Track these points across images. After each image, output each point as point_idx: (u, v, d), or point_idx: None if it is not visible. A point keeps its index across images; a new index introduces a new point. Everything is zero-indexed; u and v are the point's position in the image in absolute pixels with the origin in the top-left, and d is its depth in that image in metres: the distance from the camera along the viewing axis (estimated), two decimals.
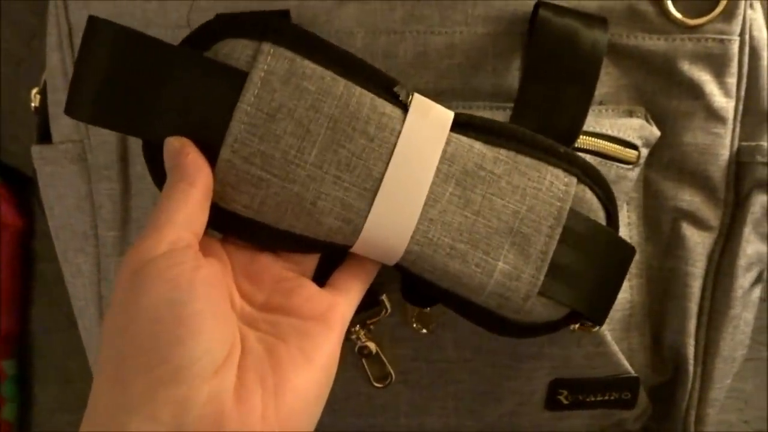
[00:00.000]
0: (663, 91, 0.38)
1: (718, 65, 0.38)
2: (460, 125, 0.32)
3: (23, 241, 0.56)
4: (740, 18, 0.38)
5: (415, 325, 0.38)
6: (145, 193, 0.40)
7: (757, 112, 0.40)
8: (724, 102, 0.39)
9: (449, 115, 0.32)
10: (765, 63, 0.39)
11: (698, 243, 0.40)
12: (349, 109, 0.31)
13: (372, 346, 0.39)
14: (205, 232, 0.30)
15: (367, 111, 0.31)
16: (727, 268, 0.40)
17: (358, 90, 0.31)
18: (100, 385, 0.28)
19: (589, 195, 0.33)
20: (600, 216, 0.34)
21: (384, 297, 0.38)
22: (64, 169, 0.41)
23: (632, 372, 0.40)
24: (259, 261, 0.32)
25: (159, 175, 0.31)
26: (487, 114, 0.36)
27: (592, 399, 0.41)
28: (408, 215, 0.32)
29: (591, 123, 0.36)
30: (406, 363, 0.40)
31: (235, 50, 0.31)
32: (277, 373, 0.29)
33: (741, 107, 0.39)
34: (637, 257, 0.37)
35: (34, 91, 0.43)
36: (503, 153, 0.33)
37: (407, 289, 0.36)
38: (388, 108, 0.32)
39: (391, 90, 0.32)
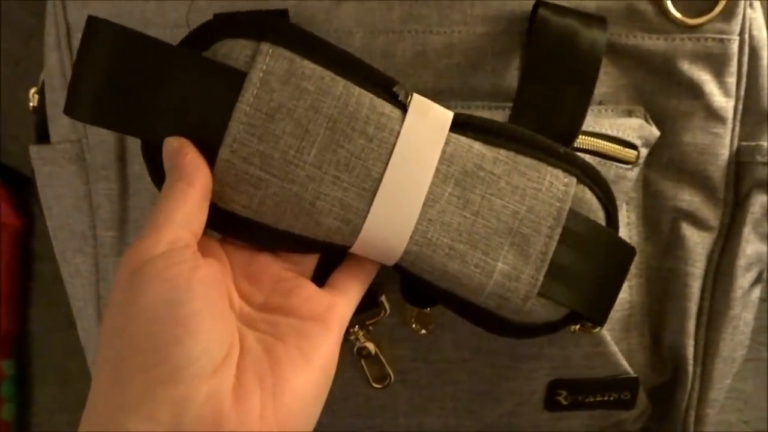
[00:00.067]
0: (662, 91, 0.38)
1: (717, 65, 0.38)
2: (459, 125, 0.32)
3: (22, 241, 0.56)
4: (740, 17, 0.38)
5: (414, 326, 0.38)
6: (143, 193, 0.39)
7: (757, 111, 0.40)
8: (723, 102, 0.39)
9: (448, 115, 0.32)
10: (765, 62, 0.39)
11: (698, 243, 0.40)
12: (348, 109, 0.31)
13: (371, 346, 0.39)
14: (204, 233, 0.30)
15: (366, 111, 0.31)
16: (727, 269, 0.40)
17: (357, 90, 0.31)
18: (98, 386, 0.28)
19: (588, 195, 0.33)
20: (600, 216, 0.34)
21: (383, 298, 0.38)
22: (63, 169, 0.41)
23: (631, 372, 0.40)
24: (258, 261, 0.32)
25: (158, 175, 0.31)
26: (486, 114, 0.36)
27: (592, 399, 0.41)
28: (407, 215, 0.31)
29: (590, 123, 0.36)
30: (405, 363, 0.40)
31: (233, 50, 0.31)
32: (276, 373, 0.29)
33: (741, 107, 0.39)
34: (636, 257, 0.37)
35: (32, 90, 0.43)
36: (503, 153, 0.33)
37: (407, 289, 0.36)
38: (387, 108, 0.32)
39: (390, 90, 0.32)
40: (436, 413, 0.41)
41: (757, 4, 0.39)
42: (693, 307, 0.40)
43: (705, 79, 0.38)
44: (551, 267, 0.33)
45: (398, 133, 0.31)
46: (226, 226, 0.32)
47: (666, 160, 0.39)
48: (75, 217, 0.41)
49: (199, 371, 0.26)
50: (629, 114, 0.38)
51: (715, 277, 0.41)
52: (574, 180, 0.33)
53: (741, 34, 0.38)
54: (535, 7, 0.35)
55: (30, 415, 0.57)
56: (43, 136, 0.42)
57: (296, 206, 0.31)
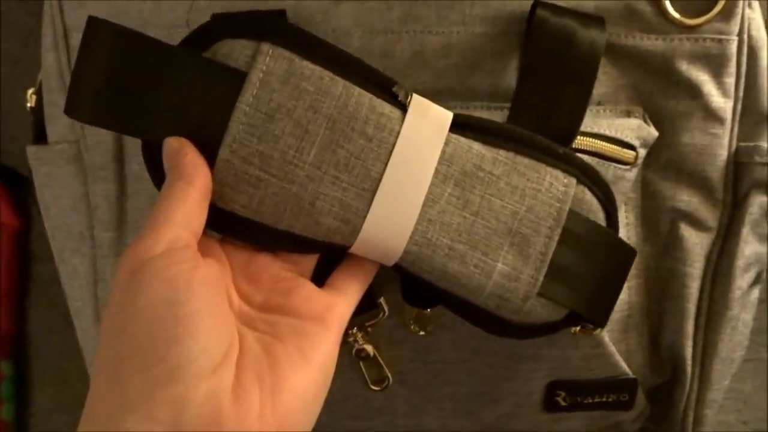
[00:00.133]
0: (661, 91, 0.38)
1: (716, 65, 0.38)
2: (458, 125, 0.32)
3: (20, 241, 0.56)
4: (738, 18, 0.38)
5: (412, 327, 0.38)
6: (141, 194, 0.39)
7: (756, 112, 0.40)
8: (722, 102, 0.39)
9: (448, 116, 0.32)
10: (763, 63, 0.39)
11: (696, 244, 0.40)
12: (347, 109, 0.31)
13: (369, 348, 0.38)
14: (204, 232, 0.30)
15: (366, 111, 0.31)
16: (726, 269, 0.40)
17: (356, 90, 0.31)
18: (97, 386, 0.27)
19: (588, 196, 0.33)
20: (600, 217, 0.34)
21: (382, 299, 0.38)
22: (60, 170, 0.41)
23: (630, 373, 0.40)
24: (258, 261, 0.32)
25: (158, 176, 0.31)
26: (484, 114, 0.36)
27: (590, 400, 0.41)
28: (406, 215, 0.31)
29: (588, 123, 0.36)
30: (404, 364, 0.39)
31: (233, 50, 0.31)
32: (275, 373, 0.29)
33: (739, 107, 0.39)
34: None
35: (30, 91, 0.43)
36: (502, 154, 0.32)
37: (407, 290, 0.36)
38: (387, 108, 0.31)
39: (389, 90, 0.32)
40: (434, 414, 0.41)
41: (756, 5, 0.39)
42: (691, 307, 0.40)
43: (703, 79, 0.38)
44: (551, 267, 0.33)
45: (398, 133, 0.31)
46: (226, 225, 0.32)
47: (664, 160, 0.39)
48: (73, 217, 0.41)
49: (198, 370, 0.26)
50: (628, 114, 0.38)
51: (714, 278, 0.41)
52: (573, 180, 0.33)
53: (740, 34, 0.38)
54: (534, 7, 0.35)
55: (28, 415, 0.57)
56: (40, 137, 0.42)
57: (296, 206, 0.31)
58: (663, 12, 0.37)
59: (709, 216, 0.40)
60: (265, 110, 0.30)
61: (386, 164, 0.31)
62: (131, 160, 0.39)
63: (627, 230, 0.39)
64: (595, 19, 0.35)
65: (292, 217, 0.31)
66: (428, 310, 0.37)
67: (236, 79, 0.30)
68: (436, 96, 0.35)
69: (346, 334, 0.36)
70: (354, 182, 0.31)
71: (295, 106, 0.30)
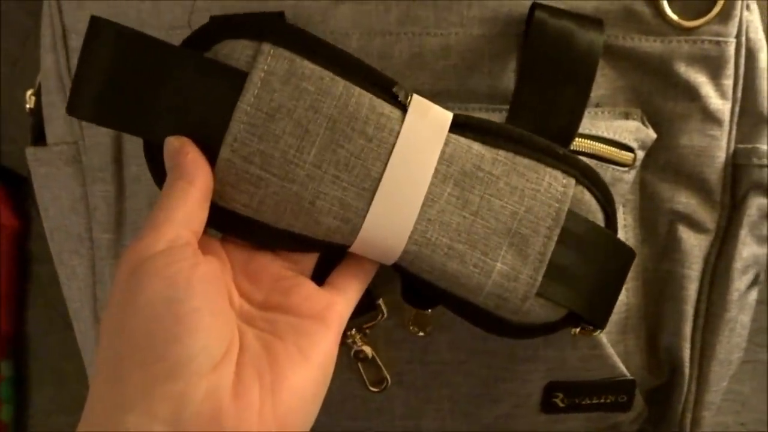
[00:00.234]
0: (659, 93, 0.38)
1: (714, 67, 0.38)
2: (458, 126, 0.32)
3: (20, 242, 0.56)
4: (737, 20, 0.38)
5: (412, 328, 0.38)
6: (139, 195, 0.39)
7: (754, 114, 0.40)
8: (720, 104, 0.39)
9: (448, 116, 0.32)
10: (761, 65, 0.39)
11: (694, 246, 0.40)
12: (348, 109, 0.31)
13: (368, 350, 0.39)
14: (205, 231, 0.31)
15: (366, 111, 0.31)
16: (724, 271, 0.40)
17: (357, 90, 0.31)
18: (97, 386, 0.28)
19: (587, 196, 0.33)
20: (599, 218, 0.34)
21: (380, 301, 0.38)
22: (59, 171, 0.41)
23: (628, 375, 0.40)
24: (258, 260, 0.32)
25: (159, 175, 0.31)
26: (482, 116, 0.36)
27: (588, 402, 0.41)
28: (406, 215, 0.32)
29: (587, 125, 0.36)
30: (402, 365, 0.40)
31: (235, 51, 0.31)
32: (275, 371, 0.29)
33: (737, 109, 0.39)
34: None
35: (29, 92, 0.43)
36: (502, 154, 0.33)
37: (407, 290, 0.36)
38: (387, 108, 0.32)
39: (389, 90, 0.32)
40: (432, 415, 0.41)
41: (754, 7, 0.39)
42: (689, 309, 0.40)
43: (702, 81, 0.38)
44: (550, 267, 0.33)
45: (398, 133, 0.31)
46: (227, 224, 0.32)
47: (663, 162, 0.39)
48: (71, 219, 0.41)
49: (198, 368, 0.26)
50: (626, 116, 0.38)
51: (712, 280, 0.41)
52: (572, 181, 0.33)
53: (738, 36, 0.38)
54: (532, 9, 0.35)
55: (27, 416, 0.57)
56: (39, 138, 0.42)
57: (296, 205, 0.31)
58: (661, 14, 0.37)
59: (708, 218, 0.40)
60: (266, 110, 0.30)
61: (386, 164, 0.31)
62: (130, 162, 0.39)
63: (625, 232, 0.39)
64: (594, 21, 0.35)
65: (292, 216, 0.31)
66: (429, 311, 0.37)
67: (237, 79, 0.31)
68: (434, 98, 0.35)
69: (344, 336, 0.36)
70: (354, 182, 0.31)
71: (295, 105, 0.31)
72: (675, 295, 0.40)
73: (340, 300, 0.32)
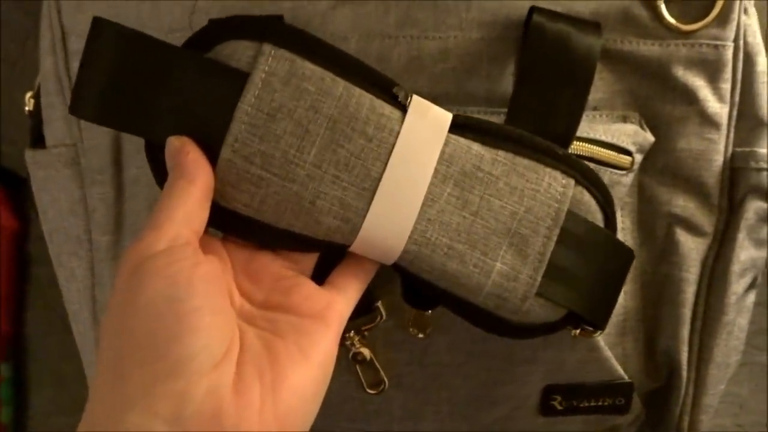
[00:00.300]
0: (657, 97, 0.38)
1: (712, 71, 0.38)
2: (458, 126, 0.33)
3: (19, 243, 0.56)
4: (734, 23, 0.38)
5: (411, 330, 0.38)
6: (138, 197, 0.39)
7: (752, 117, 0.40)
8: (718, 107, 0.39)
9: (448, 117, 0.32)
10: (759, 69, 0.39)
11: (692, 249, 0.40)
12: (348, 109, 0.31)
13: (366, 352, 0.39)
14: (206, 231, 0.31)
15: (366, 111, 0.31)
16: (721, 274, 0.40)
17: (357, 91, 0.31)
18: (98, 385, 0.28)
19: (587, 197, 0.33)
20: (598, 218, 0.34)
21: (379, 304, 0.38)
22: (58, 173, 0.41)
23: (626, 378, 0.40)
24: (259, 259, 0.32)
25: (161, 175, 0.32)
26: None
27: (586, 404, 0.41)
28: (406, 215, 0.32)
29: (585, 128, 0.36)
30: (400, 367, 0.40)
31: (236, 51, 0.31)
32: (275, 369, 0.29)
33: (735, 113, 0.39)
34: None
35: (29, 95, 0.43)
36: (501, 154, 0.33)
37: (407, 291, 0.36)
38: (387, 109, 0.32)
39: (390, 91, 0.32)
40: (431, 417, 0.41)
41: (752, 11, 0.39)
42: (687, 312, 0.40)
43: (699, 84, 0.38)
44: (549, 267, 0.33)
45: (398, 133, 0.32)
46: (228, 224, 0.32)
47: (661, 165, 0.39)
48: (70, 221, 0.41)
49: (199, 367, 0.26)
50: (624, 120, 0.38)
51: (710, 283, 0.41)
52: (572, 181, 0.33)
53: (735, 40, 0.38)
54: (530, 12, 0.35)
55: (26, 417, 0.57)
56: (38, 140, 0.42)
57: (296, 205, 0.31)
58: (659, 17, 0.37)
59: (705, 221, 0.40)
60: (266, 110, 0.30)
61: (386, 164, 0.31)
62: (128, 164, 0.39)
63: (623, 235, 0.40)
64: (592, 25, 0.35)
65: (292, 215, 0.31)
66: (429, 312, 0.37)
67: (238, 79, 0.31)
68: (432, 101, 0.35)
69: (343, 338, 0.36)
70: (354, 182, 0.31)
71: (296, 106, 0.31)
72: (673, 299, 0.40)
73: (341, 299, 0.32)
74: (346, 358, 0.38)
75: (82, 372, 0.45)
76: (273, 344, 0.30)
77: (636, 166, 0.37)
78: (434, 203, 0.32)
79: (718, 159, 0.39)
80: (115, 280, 0.29)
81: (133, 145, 0.39)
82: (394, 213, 0.32)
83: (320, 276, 0.34)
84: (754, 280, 0.41)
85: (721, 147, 0.39)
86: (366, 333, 0.38)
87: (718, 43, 0.38)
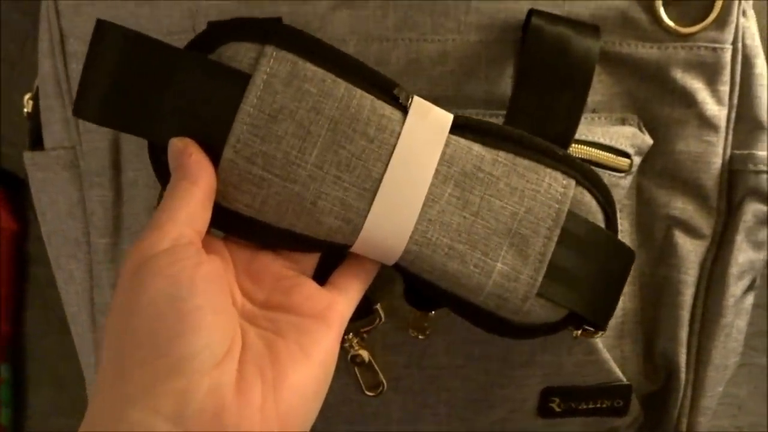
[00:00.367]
0: (656, 99, 0.38)
1: (710, 73, 0.38)
2: (459, 127, 0.33)
3: (18, 244, 0.56)
4: (733, 26, 0.38)
5: (411, 332, 0.38)
6: (137, 200, 0.40)
7: (750, 120, 0.40)
8: (716, 110, 0.39)
9: (448, 117, 0.33)
10: (757, 71, 0.39)
11: (691, 251, 0.40)
12: (349, 110, 0.31)
13: (365, 354, 0.39)
14: (208, 231, 0.31)
15: (368, 113, 0.31)
16: (720, 277, 0.40)
17: (358, 92, 0.31)
18: (101, 384, 0.28)
19: (587, 198, 0.33)
20: (599, 219, 0.34)
21: (378, 306, 0.38)
22: (57, 176, 0.41)
23: (624, 380, 0.40)
24: (260, 259, 0.32)
25: (163, 176, 0.32)
26: None
27: (585, 406, 0.41)
28: (407, 215, 0.32)
29: (583, 131, 0.36)
30: (398, 370, 0.40)
31: (238, 53, 0.31)
32: (276, 368, 0.29)
33: (734, 115, 0.39)
34: None
35: (27, 96, 0.43)
36: (502, 155, 0.33)
37: (409, 290, 0.36)
38: (388, 110, 0.32)
39: (391, 92, 0.32)
40: (429, 420, 0.41)
41: (750, 13, 0.39)
42: (686, 314, 0.40)
43: (698, 87, 0.38)
44: (550, 268, 0.33)
45: (399, 134, 0.32)
46: (230, 224, 0.32)
47: (659, 168, 0.39)
48: (69, 223, 0.41)
49: (201, 366, 0.27)
50: (622, 122, 0.38)
51: (708, 285, 0.41)
52: (572, 182, 0.33)
53: (734, 42, 0.38)
54: (529, 15, 0.35)
55: (25, 418, 0.57)
56: (37, 142, 0.42)
57: (298, 205, 0.31)
58: (658, 20, 0.37)
59: (704, 223, 0.40)
60: (268, 111, 0.31)
61: (387, 165, 0.32)
62: (127, 167, 0.39)
63: (622, 237, 0.40)
64: (590, 27, 0.35)
65: (294, 216, 0.31)
66: (431, 313, 0.37)
67: (240, 81, 0.31)
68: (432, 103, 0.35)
69: (342, 340, 0.36)
70: (355, 182, 0.31)
71: (297, 107, 0.31)
72: (671, 301, 0.40)
73: (342, 299, 0.32)
74: (344, 360, 0.38)
75: (80, 373, 0.45)
76: (274, 344, 0.30)
77: (634, 169, 0.37)
78: (435, 204, 0.32)
79: (717, 161, 0.39)
80: (118, 280, 0.29)
81: (132, 148, 0.39)
82: (395, 213, 0.32)
83: (321, 276, 0.34)
84: (753, 282, 0.41)
85: (720, 149, 0.39)
86: (365, 335, 0.38)
87: (717, 45, 0.38)
